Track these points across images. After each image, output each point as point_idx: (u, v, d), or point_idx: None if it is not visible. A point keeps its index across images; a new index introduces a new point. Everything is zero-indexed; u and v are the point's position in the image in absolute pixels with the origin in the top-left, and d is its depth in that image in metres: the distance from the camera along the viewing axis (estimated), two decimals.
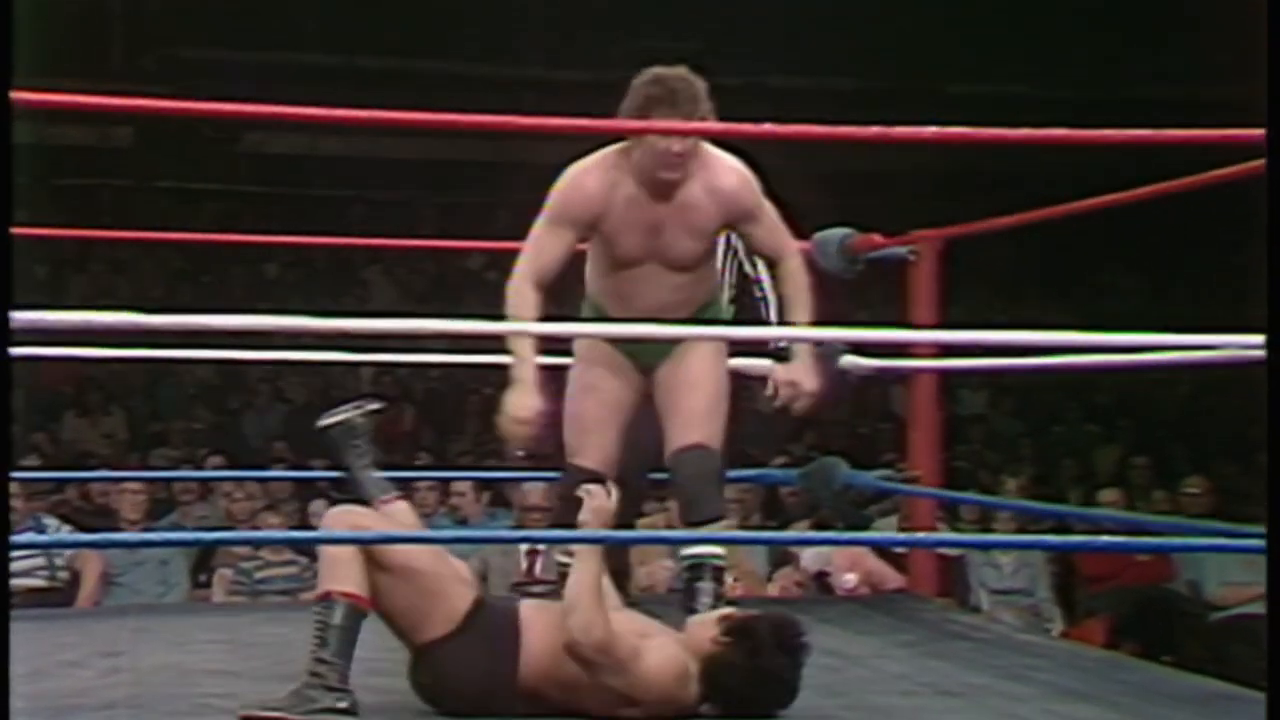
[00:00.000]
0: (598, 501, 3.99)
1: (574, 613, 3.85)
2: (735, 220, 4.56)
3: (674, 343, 4.62)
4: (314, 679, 3.80)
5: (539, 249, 4.48)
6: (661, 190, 4.44)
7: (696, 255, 4.55)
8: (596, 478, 4.37)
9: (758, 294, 5.19)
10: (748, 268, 5.22)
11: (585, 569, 3.89)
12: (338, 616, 3.85)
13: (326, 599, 3.87)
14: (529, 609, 4.05)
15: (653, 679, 3.87)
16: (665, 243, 4.49)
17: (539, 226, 4.50)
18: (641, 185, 4.44)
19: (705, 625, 4.03)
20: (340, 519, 4.09)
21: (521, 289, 4.43)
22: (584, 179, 4.48)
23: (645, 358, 4.65)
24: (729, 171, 4.51)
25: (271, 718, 3.76)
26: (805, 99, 15.45)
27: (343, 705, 3.78)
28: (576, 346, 4.75)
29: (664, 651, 3.92)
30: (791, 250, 4.68)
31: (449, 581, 4.01)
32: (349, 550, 3.89)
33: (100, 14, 15.76)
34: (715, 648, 3.91)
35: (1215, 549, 8.00)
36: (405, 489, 8.50)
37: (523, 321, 4.38)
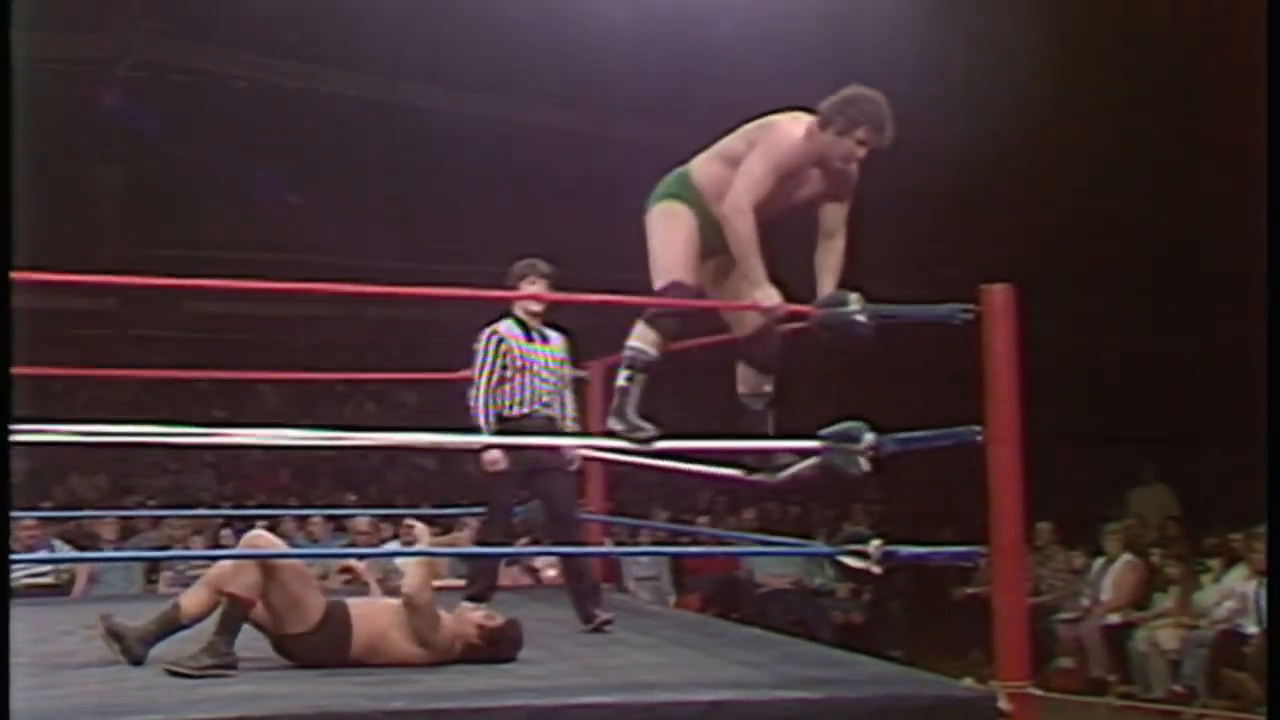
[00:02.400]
0: (417, 530, 4.00)
1: (413, 582, 3.81)
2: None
3: None
4: (209, 648, 3.63)
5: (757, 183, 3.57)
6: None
7: None
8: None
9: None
10: None
11: (420, 568, 3.86)
12: (231, 609, 3.69)
13: (229, 597, 3.71)
14: (355, 605, 3.89)
15: (444, 625, 3.84)
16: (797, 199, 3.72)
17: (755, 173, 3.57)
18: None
19: (474, 619, 3.94)
20: (254, 540, 3.92)
21: (749, 212, 3.55)
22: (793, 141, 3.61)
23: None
24: None
25: (169, 668, 3.59)
26: None
27: (222, 667, 3.60)
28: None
29: (449, 617, 3.89)
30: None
31: (312, 594, 3.82)
32: (250, 566, 3.72)
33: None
34: (478, 638, 3.88)
35: (760, 554, 8.21)
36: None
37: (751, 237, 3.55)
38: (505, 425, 4.73)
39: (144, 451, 12.21)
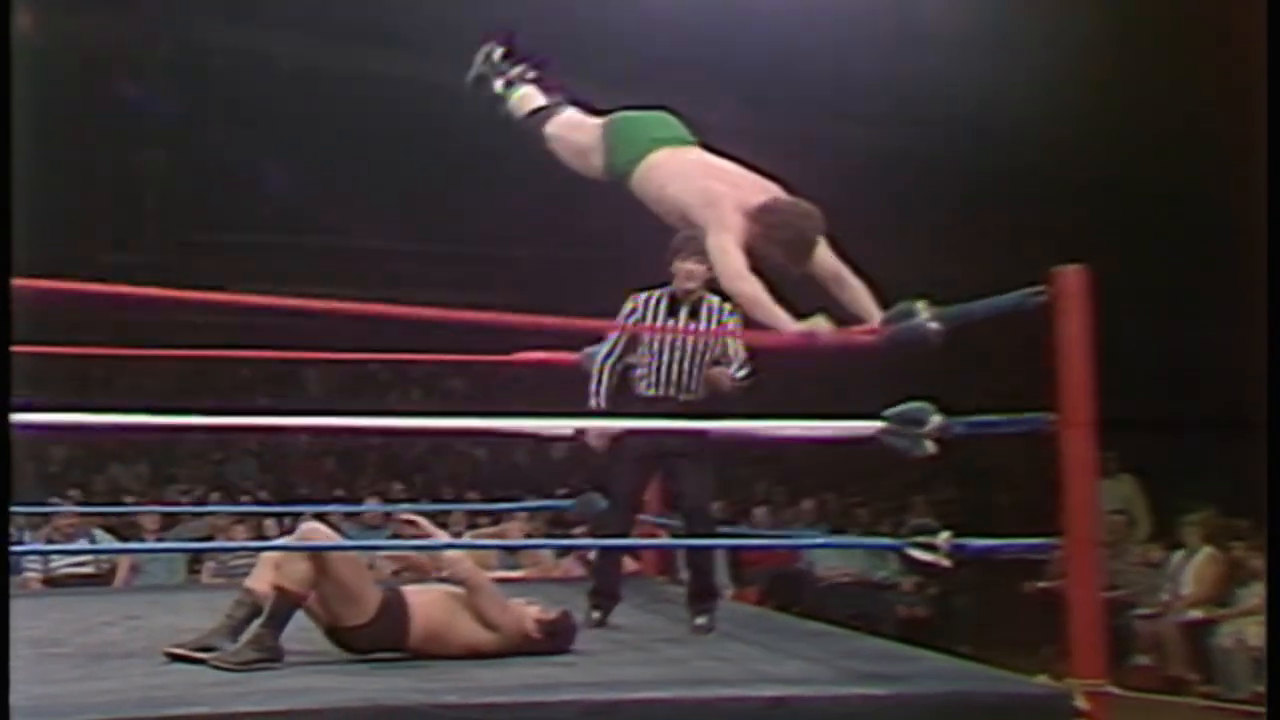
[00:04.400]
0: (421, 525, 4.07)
1: (466, 564, 3.90)
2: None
3: None
4: (254, 642, 3.68)
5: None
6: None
7: None
8: None
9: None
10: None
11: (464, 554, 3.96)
12: (278, 602, 3.72)
13: (277, 589, 3.74)
14: (411, 592, 3.93)
15: (510, 606, 3.90)
16: None
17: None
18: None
19: (530, 611, 3.98)
20: (309, 533, 3.94)
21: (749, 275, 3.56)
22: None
23: None
24: None
25: (214, 661, 3.63)
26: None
27: (270, 656, 3.65)
28: None
29: (518, 621, 3.92)
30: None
31: (367, 585, 3.85)
32: (301, 557, 3.74)
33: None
34: (536, 630, 3.92)
35: (821, 545, 8.20)
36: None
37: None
38: (633, 407, 4.64)
39: (186, 440, 12.40)
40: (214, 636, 3.76)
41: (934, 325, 3.55)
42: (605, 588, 4.79)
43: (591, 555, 7.63)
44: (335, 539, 4.04)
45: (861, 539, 8.24)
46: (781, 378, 4.24)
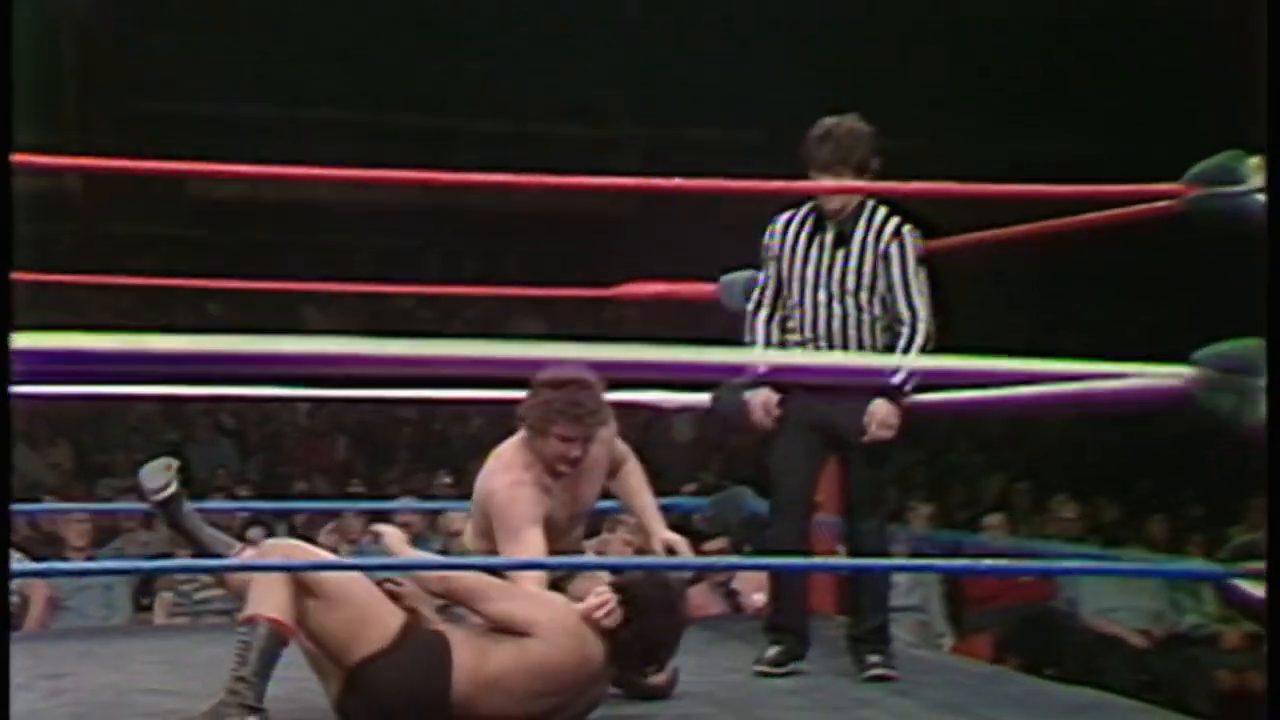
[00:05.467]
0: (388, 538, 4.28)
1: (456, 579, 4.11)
2: (607, 443, 4.79)
3: None
4: (231, 696, 3.80)
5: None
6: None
7: None
8: None
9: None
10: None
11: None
12: (259, 639, 3.84)
13: (251, 622, 3.86)
14: (455, 632, 4.06)
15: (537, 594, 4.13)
16: (582, 501, 4.73)
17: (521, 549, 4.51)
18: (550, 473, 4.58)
19: (590, 591, 4.16)
20: (275, 550, 4.15)
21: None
22: (527, 499, 4.51)
23: None
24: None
25: None
26: (714, 151, 15.51)
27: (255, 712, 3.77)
28: None
29: (560, 609, 4.11)
30: None
31: (379, 605, 4.01)
32: (279, 579, 3.88)
33: (56, 68, 15.64)
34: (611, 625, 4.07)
35: (1092, 573, 8.08)
36: (334, 516, 8.56)
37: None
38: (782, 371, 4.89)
39: (126, 412, 12.66)
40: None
41: (1261, 198, 3.63)
42: (790, 624, 5.03)
43: (739, 583, 7.75)
44: (323, 557, 4.20)
45: (1156, 564, 8.05)
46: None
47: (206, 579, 7.74)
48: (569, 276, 8.75)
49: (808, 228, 4.93)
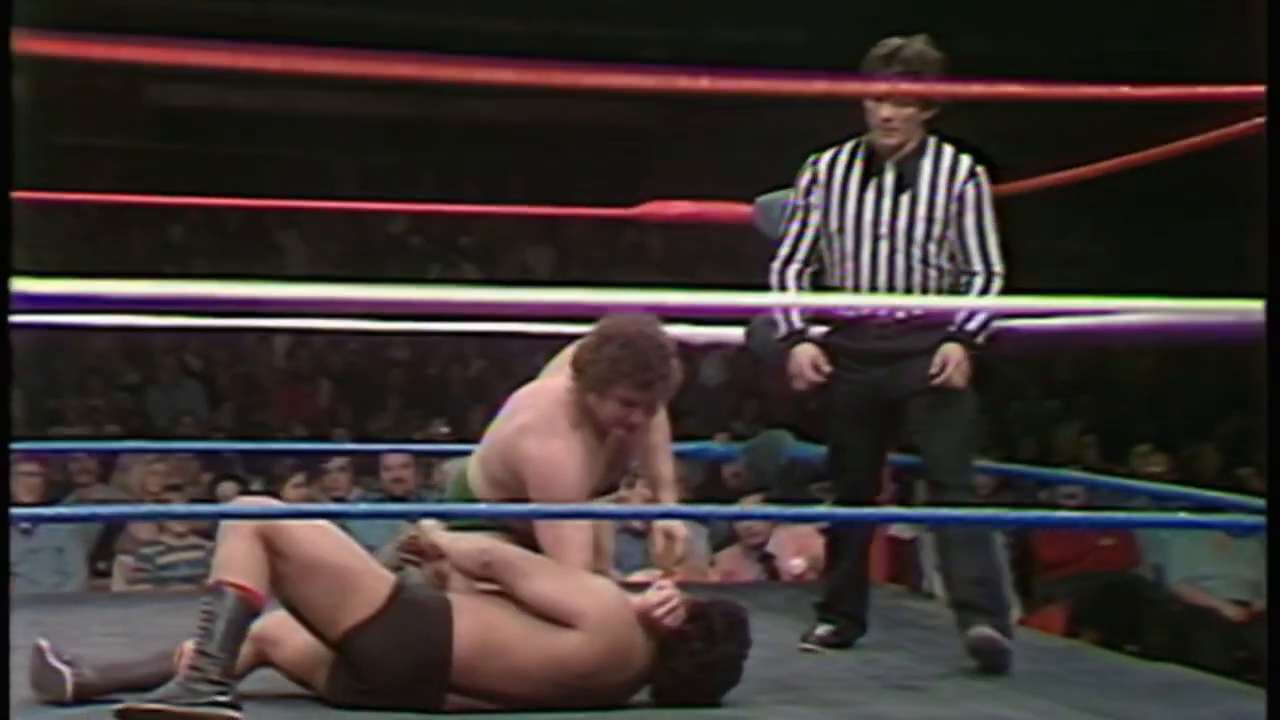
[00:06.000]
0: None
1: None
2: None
3: None
4: (194, 672, 3.80)
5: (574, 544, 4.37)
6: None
7: None
8: None
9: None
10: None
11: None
12: (227, 608, 3.85)
13: (218, 588, 3.87)
14: (461, 598, 4.09)
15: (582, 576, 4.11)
16: (619, 465, 4.63)
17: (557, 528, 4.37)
18: (594, 431, 4.43)
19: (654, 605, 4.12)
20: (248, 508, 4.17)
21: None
22: (565, 460, 4.36)
23: None
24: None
25: (147, 708, 3.76)
26: (747, 52, 15.44)
27: (224, 699, 3.78)
28: None
29: (613, 601, 4.07)
30: None
31: (364, 569, 4.04)
32: (247, 541, 3.89)
33: None
34: (670, 630, 4.06)
35: (1181, 524, 8.05)
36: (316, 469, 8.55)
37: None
38: (829, 337, 4.92)
39: (78, 348, 12.68)
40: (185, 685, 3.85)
41: None
42: (847, 605, 5.07)
43: (775, 547, 7.76)
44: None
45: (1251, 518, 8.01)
46: None
47: (172, 541, 7.79)
48: (582, 196, 8.75)
49: (858, 168, 4.88)
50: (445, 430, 10.41)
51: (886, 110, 4.76)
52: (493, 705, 4.00)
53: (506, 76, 3.72)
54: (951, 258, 4.80)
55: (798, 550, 7.36)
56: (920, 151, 4.83)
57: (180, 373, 12.88)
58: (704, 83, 4.07)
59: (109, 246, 13.81)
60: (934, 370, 4.70)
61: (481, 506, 4.35)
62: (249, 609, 3.87)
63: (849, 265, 4.83)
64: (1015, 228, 4.82)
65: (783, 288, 4.95)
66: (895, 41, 4.76)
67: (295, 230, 15.19)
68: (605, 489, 4.56)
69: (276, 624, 4.04)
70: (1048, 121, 9.74)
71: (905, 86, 4.70)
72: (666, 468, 4.68)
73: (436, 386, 12.92)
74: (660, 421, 4.65)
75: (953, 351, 4.70)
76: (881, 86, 4.72)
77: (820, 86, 4.02)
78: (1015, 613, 8.85)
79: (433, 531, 4.28)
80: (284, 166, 15.63)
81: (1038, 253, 16.38)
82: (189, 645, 3.92)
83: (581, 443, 4.32)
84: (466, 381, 12.82)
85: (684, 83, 4.06)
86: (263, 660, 4.06)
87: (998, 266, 4.80)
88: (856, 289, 4.83)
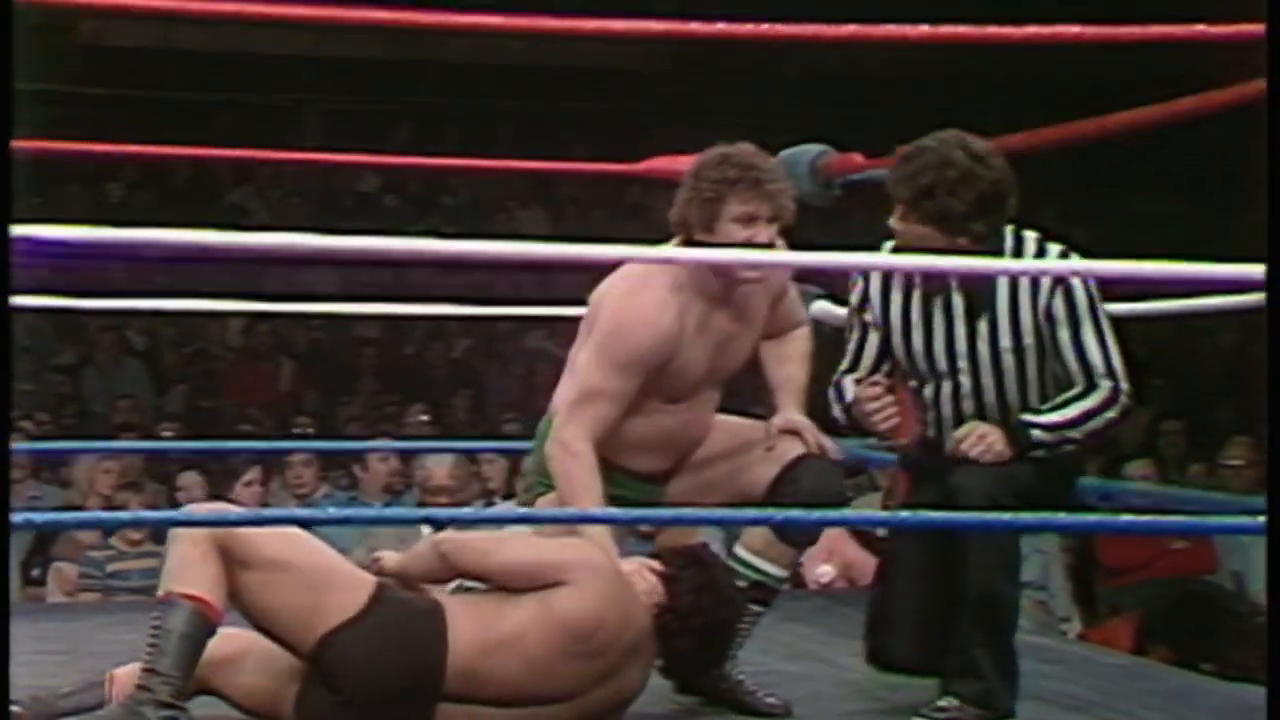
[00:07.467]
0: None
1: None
2: (778, 296, 4.61)
3: None
4: (141, 692, 3.83)
5: (601, 408, 4.37)
6: (730, 294, 4.45)
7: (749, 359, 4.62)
8: None
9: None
10: None
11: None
12: (178, 622, 3.87)
13: (168, 600, 3.90)
14: (452, 599, 4.11)
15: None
16: (729, 356, 4.51)
17: (597, 376, 4.37)
18: (706, 295, 4.40)
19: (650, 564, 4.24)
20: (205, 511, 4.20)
21: (581, 450, 4.33)
22: (652, 314, 4.34)
23: None
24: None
25: None
26: None
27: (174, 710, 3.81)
28: None
29: (598, 552, 4.14)
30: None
31: (340, 568, 4.06)
32: (201, 549, 3.92)
33: None
34: (669, 576, 4.18)
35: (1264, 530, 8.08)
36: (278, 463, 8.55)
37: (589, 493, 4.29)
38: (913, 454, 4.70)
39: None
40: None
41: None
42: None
43: (805, 552, 7.79)
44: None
45: None
46: None
47: (123, 546, 7.80)
48: (579, 150, 8.76)
49: (918, 289, 4.51)
50: (424, 419, 10.41)
51: (895, 224, 4.37)
52: (493, 710, 4.03)
53: (491, 25, 3.72)
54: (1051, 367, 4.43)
55: (827, 556, 7.40)
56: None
57: (122, 351, 12.86)
58: (718, 27, 4.05)
59: (37, 205, 13.81)
60: (958, 437, 4.39)
61: (467, 511, 4.33)
62: (205, 623, 3.89)
63: (929, 393, 4.50)
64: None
65: (840, 400, 4.56)
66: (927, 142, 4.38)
67: (251, 186, 15.15)
68: (703, 380, 4.47)
69: (225, 642, 4.03)
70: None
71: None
72: (795, 374, 4.61)
73: (415, 368, 12.91)
74: (801, 334, 4.65)
75: (989, 429, 4.35)
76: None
77: (845, 30, 3.93)
78: (1074, 626, 8.91)
79: (384, 554, 4.29)
80: (239, 113, 15.63)
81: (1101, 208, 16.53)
82: (121, 671, 3.97)
83: (681, 306, 4.32)
84: (449, 362, 12.82)
85: (696, 29, 4.03)
86: (206, 687, 4.04)
87: (1118, 370, 4.41)
88: (933, 419, 4.52)
